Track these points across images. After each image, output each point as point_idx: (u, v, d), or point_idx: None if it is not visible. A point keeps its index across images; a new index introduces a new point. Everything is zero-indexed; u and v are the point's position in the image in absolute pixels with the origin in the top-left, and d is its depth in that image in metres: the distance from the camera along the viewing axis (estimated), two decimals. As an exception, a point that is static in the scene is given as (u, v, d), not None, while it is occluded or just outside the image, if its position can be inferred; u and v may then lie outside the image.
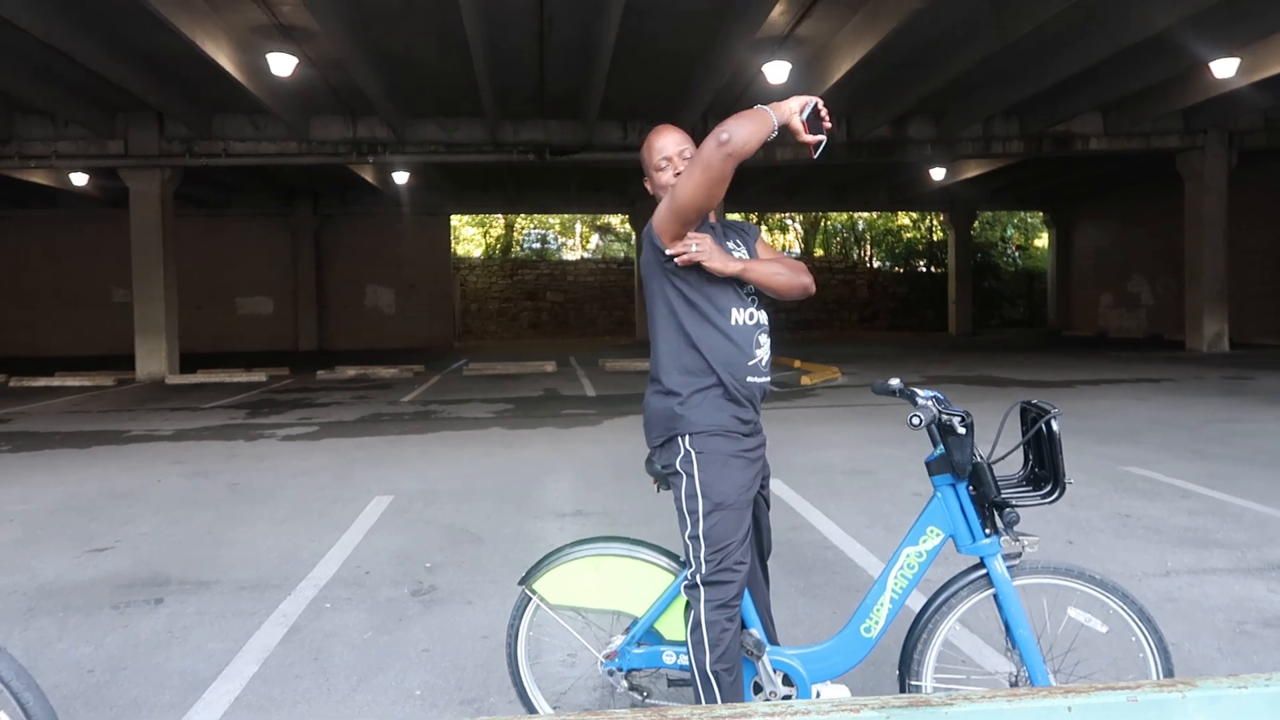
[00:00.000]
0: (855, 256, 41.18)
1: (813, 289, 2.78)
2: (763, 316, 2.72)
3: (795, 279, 2.71)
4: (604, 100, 16.67)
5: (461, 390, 15.24)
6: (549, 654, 3.62)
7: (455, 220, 34.69)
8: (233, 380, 17.76)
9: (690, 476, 2.59)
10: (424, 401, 13.64)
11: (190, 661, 3.76)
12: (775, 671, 2.73)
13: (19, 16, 11.16)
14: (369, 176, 23.27)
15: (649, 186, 2.78)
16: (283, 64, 13.91)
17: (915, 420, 2.59)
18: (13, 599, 4.59)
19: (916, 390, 2.70)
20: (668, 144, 2.70)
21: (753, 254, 2.77)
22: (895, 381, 2.82)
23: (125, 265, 20.06)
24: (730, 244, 2.73)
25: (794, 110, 2.44)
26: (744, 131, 2.34)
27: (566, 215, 38.62)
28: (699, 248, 2.52)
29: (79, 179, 21.76)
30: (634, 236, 33.11)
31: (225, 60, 13.33)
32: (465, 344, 30.69)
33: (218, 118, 18.33)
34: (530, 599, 2.92)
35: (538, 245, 40.45)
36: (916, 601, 3.24)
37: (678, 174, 2.62)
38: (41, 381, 17.30)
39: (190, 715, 3.28)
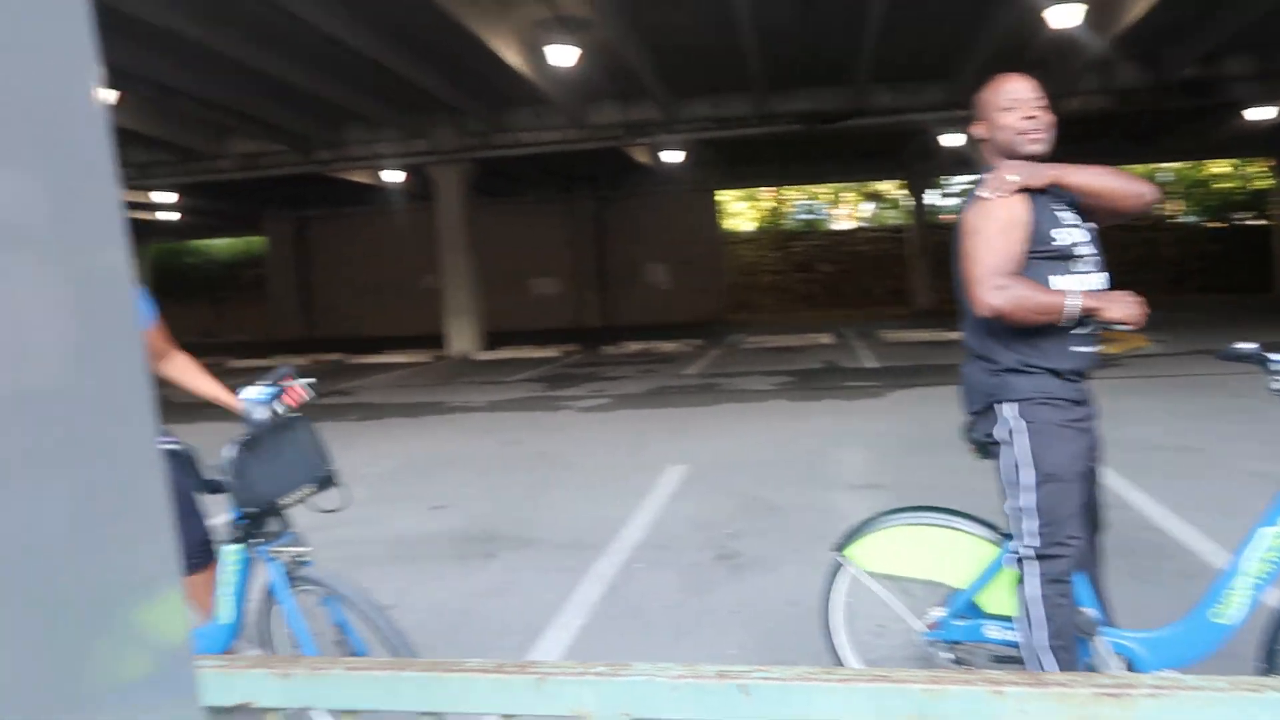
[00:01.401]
0: (1158, 211, 37.16)
1: (1152, 197, 2.54)
2: (1095, 281, 2.58)
3: (1129, 185, 2.54)
4: (874, 64, 16.18)
5: (741, 363, 15.50)
6: (858, 622, 3.66)
7: (724, 195, 35.12)
8: (529, 356, 19.17)
9: (1016, 446, 2.52)
10: (707, 374, 14.02)
11: (526, 610, 4.18)
12: (1115, 654, 2.61)
13: (347, 38, 12.63)
14: (642, 157, 24.10)
15: (978, 131, 2.69)
16: (563, 55, 14.71)
17: (1278, 386, 2.36)
18: (374, 548, 5.30)
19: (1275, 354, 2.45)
20: (1021, 87, 2.60)
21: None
22: (1248, 345, 2.57)
23: (432, 254, 22.16)
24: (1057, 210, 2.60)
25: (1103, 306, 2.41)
26: (1026, 307, 2.43)
27: (836, 184, 37.92)
28: (1012, 177, 2.48)
29: (391, 177, 24.28)
30: (910, 202, 31.89)
31: (511, 56, 14.33)
32: (738, 317, 31.08)
33: (506, 111, 19.73)
34: (843, 565, 2.97)
35: (807, 216, 40.05)
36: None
37: (1028, 118, 2.55)
38: (371, 359, 19.58)
39: (536, 657, 3.66)
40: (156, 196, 24.97)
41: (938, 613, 2.84)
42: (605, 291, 31.61)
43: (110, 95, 14.09)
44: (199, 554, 2.96)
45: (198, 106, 16.94)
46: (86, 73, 0.53)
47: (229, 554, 2.71)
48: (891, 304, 33.89)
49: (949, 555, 2.83)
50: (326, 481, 2.81)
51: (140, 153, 20.01)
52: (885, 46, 15.40)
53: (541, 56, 15.36)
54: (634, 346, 19.51)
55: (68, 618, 0.50)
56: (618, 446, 8.20)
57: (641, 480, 6.67)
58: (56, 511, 0.50)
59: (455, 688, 1.10)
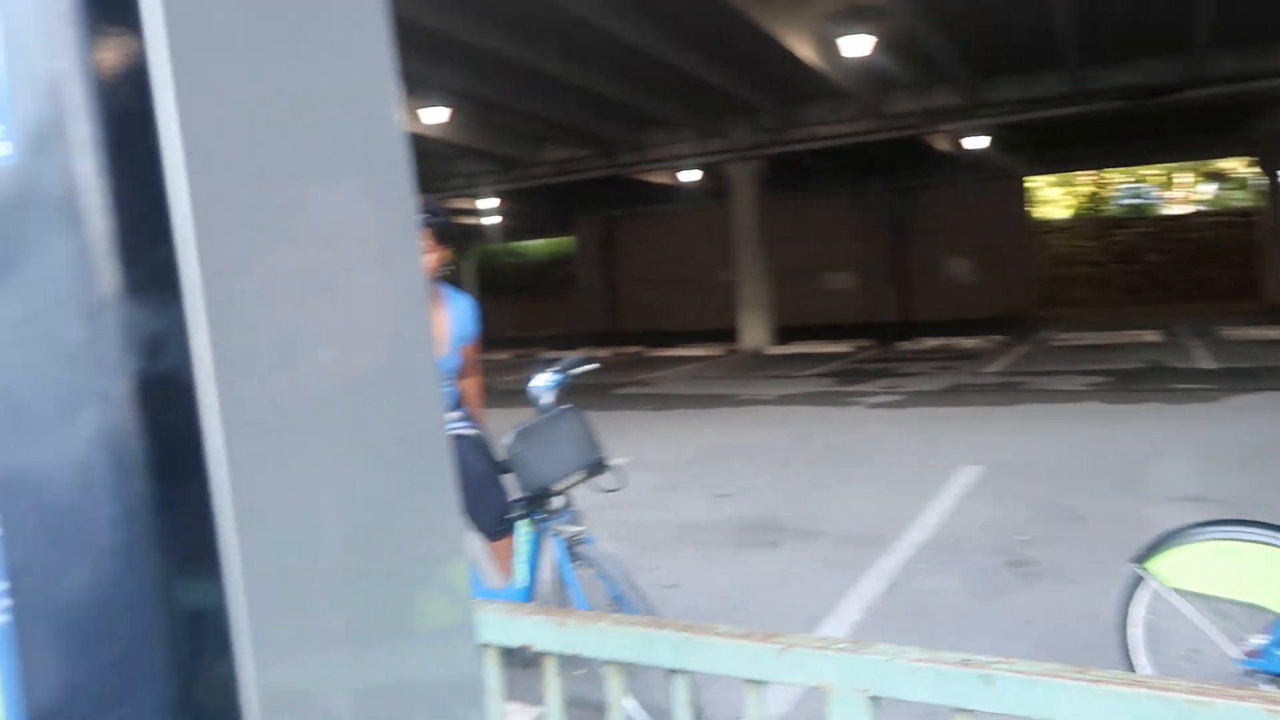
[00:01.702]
0: None
1: None
2: None
3: None
4: (1212, 25, 14.35)
5: (1049, 361, 14.44)
6: (1164, 644, 3.35)
7: (1035, 180, 32.73)
8: (821, 351, 19.06)
9: None
10: (1009, 372, 13.22)
11: (804, 600, 4.23)
12: None
13: (647, 47, 13.25)
14: (942, 145, 23.06)
15: None
16: (858, 45, 14.45)
17: None
18: (664, 530, 5.58)
19: None
20: None
21: None
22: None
23: (727, 249, 22.63)
24: None
25: None
26: None
27: (1168, 164, 34.05)
28: None
29: (688, 176, 25.07)
30: (1261, 181, 27.97)
31: (805, 50, 14.30)
32: (1050, 312, 28.88)
33: (800, 106, 19.70)
34: (1143, 579, 2.74)
35: (1133, 200, 36.33)
36: None
37: None
38: (668, 352, 20.41)
39: (809, 647, 3.71)
40: (481, 203, 27.59)
41: (1258, 640, 2.55)
42: (902, 285, 30.62)
43: (442, 114, 15.77)
44: (500, 525, 3.31)
45: (518, 120, 18.54)
46: (390, 98, 0.67)
47: (520, 528, 3.02)
48: (1235, 297, 29.89)
49: (1274, 577, 2.54)
50: (598, 467, 3.03)
51: (469, 164, 22.23)
52: (1226, 4, 13.64)
53: (835, 49, 15.19)
54: (931, 342, 18.77)
55: (380, 569, 0.65)
56: (908, 444, 7.99)
57: (932, 480, 6.46)
58: (376, 481, 0.65)
59: (704, 650, 1.21)
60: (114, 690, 0.54)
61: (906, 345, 18.83)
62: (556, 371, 3.03)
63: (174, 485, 0.53)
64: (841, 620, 3.95)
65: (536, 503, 2.92)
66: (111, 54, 0.50)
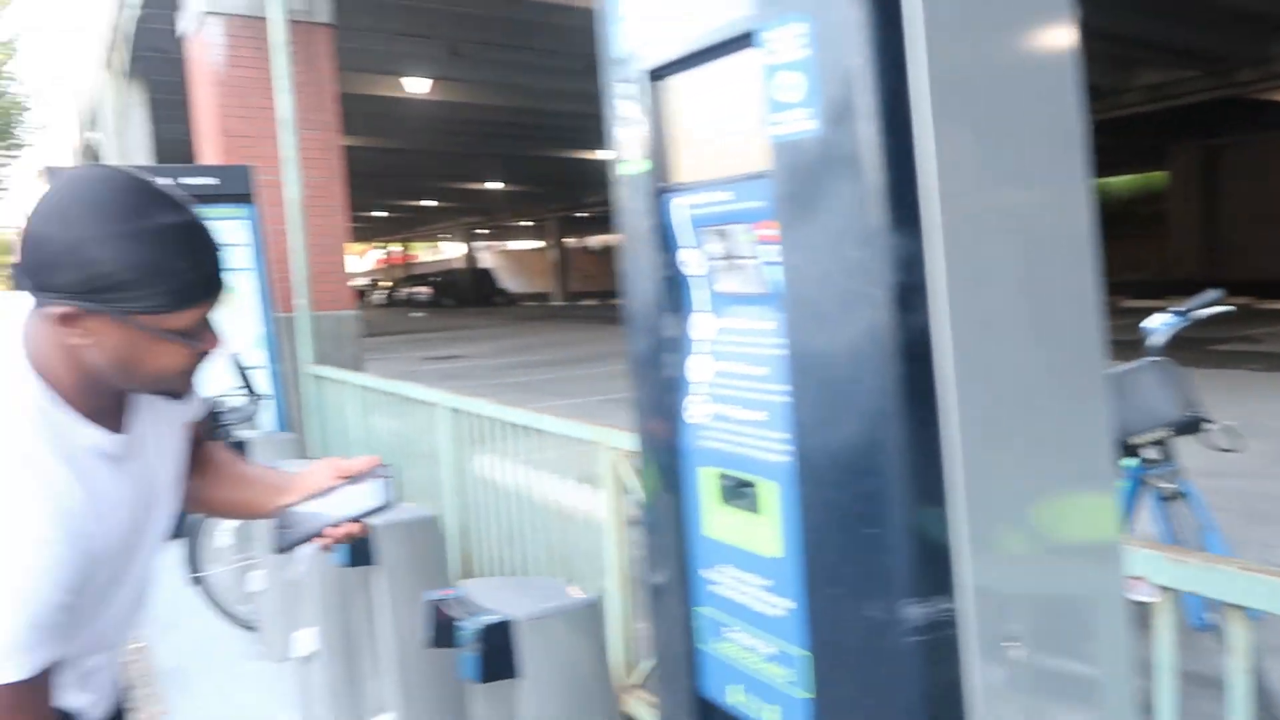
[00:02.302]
0: None
1: None
2: None
3: None
4: None
5: None
6: None
7: None
8: None
9: None
10: None
11: None
12: None
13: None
14: None
15: None
16: None
17: None
18: (1272, 504, 4.86)
19: None
20: None
21: None
22: None
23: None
24: None
25: None
26: None
27: None
28: None
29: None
30: None
31: None
32: None
33: None
34: None
35: None
36: None
37: None
38: (1284, 304, 17.17)
39: None
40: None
41: None
42: None
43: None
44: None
45: (1107, 43, 16.81)
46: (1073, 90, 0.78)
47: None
48: None
49: None
50: (1189, 425, 2.75)
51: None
52: None
53: None
54: None
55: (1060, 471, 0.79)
56: None
57: None
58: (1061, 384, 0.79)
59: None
60: (869, 511, 0.76)
61: None
62: (1177, 312, 2.83)
63: (913, 366, 0.73)
64: None
65: (1128, 452, 2.80)
66: (892, 52, 0.70)
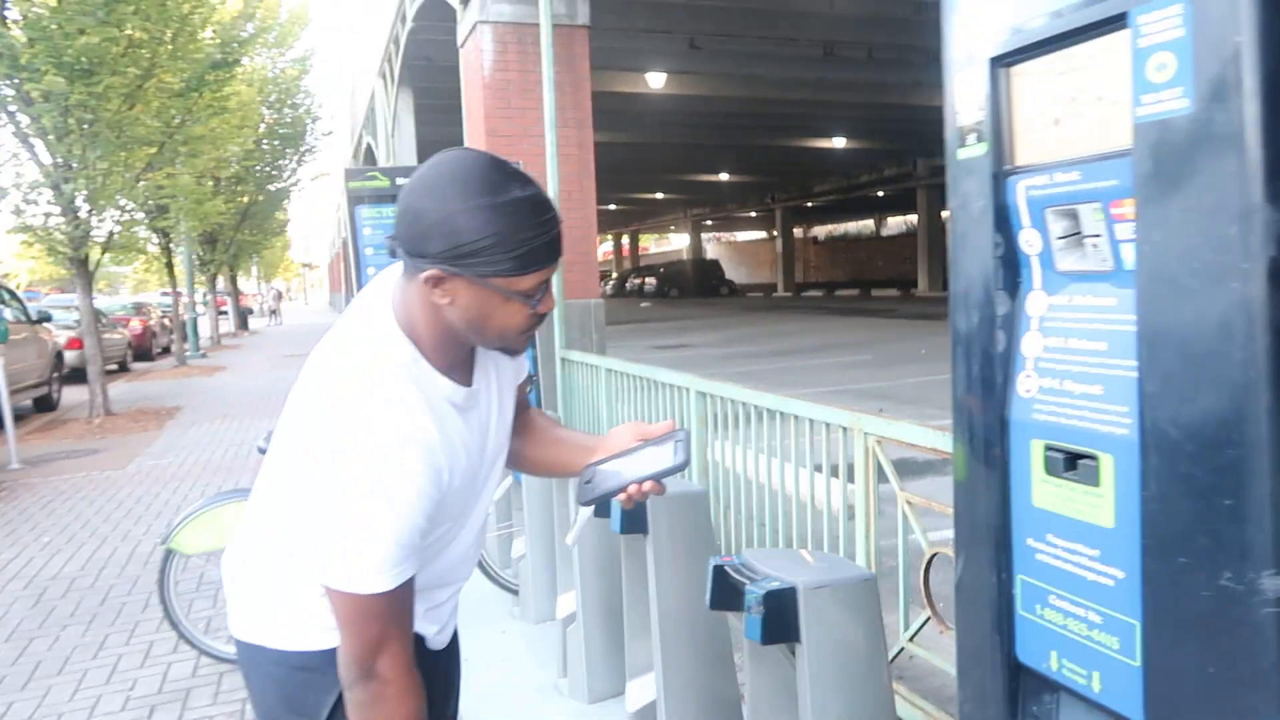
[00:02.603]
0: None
1: None
2: None
3: None
4: None
5: None
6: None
7: None
8: None
9: None
10: None
11: None
12: None
13: None
14: None
15: None
16: None
17: None
18: None
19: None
20: None
21: None
22: None
23: None
24: None
25: None
26: None
27: None
28: None
29: None
30: None
31: None
32: None
33: None
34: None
35: None
36: None
37: None
38: None
39: None
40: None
41: None
42: None
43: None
44: None
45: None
46: None
47: None
48: None
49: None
50: None
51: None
52: None
53: None
54: None
55: None
56: None
57: None
58: None
59: None
60: (1226, 482, 0.77)
61: None
62: None
63: (1282, 340, 0.73)
64: None
65: None
66: (1275, 31, 0.71)
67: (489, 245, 1.12)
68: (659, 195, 36.32)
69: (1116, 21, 0.82)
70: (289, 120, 21.11)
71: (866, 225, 40.22)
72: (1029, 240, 0.97)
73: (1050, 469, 0.96)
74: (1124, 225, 0.85)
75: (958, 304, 1.04)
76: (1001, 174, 0.97)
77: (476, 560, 1.47)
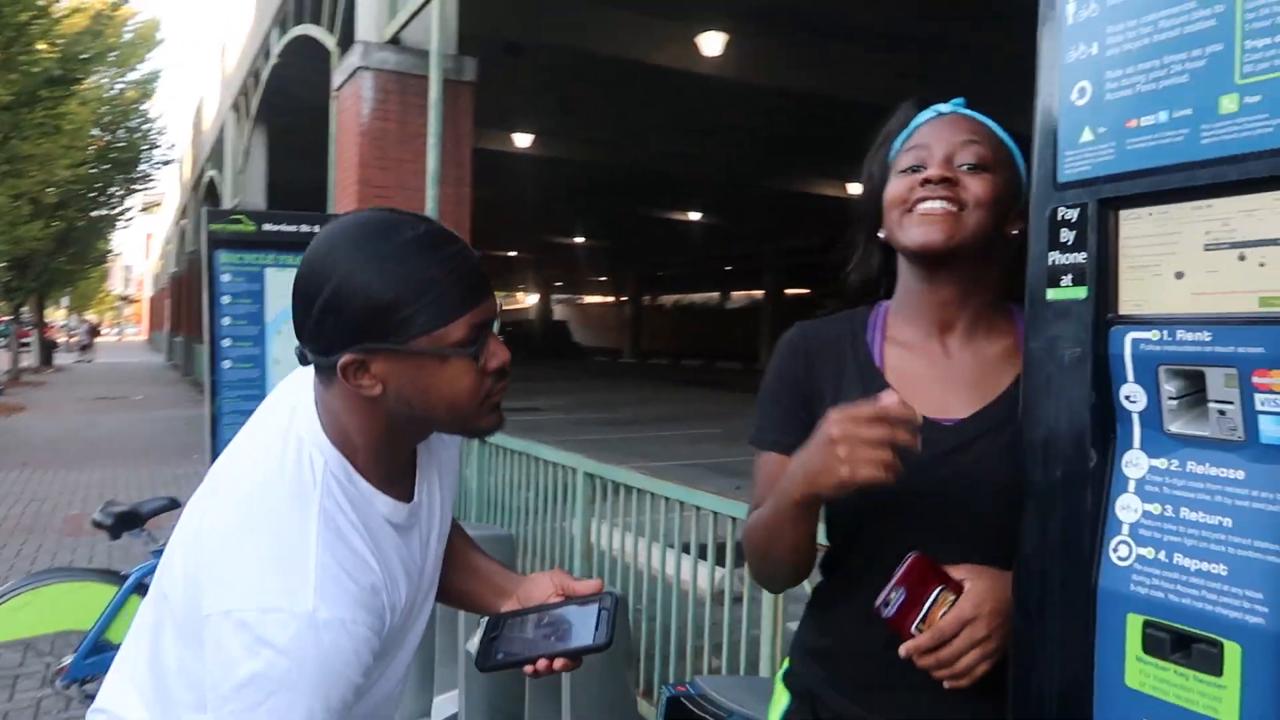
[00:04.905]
0: None
1: None
2: None
3: None
4: None
5: None
6: None
7: None
8: None
9: None
10: None
11: None
12: None
13: None
14: None
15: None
16: None
17: None
18: None
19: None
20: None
21: None
22: None
23: None
24: None
25: None
26: None
27: None
28: None
29: None
30: None
31: None
32: None
33: None
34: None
35: None
36: None
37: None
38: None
39: None
40: None
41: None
42: None
43: None
44: None
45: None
46: None
47: None
48: None
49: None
50: None
51: None
52: None
53: None
54: None
55: None
56: None
57: None
58: None
59: None
60: None
61: None
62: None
63: None
64: None
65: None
66: None
67: (394, 300, 0.94)
68: (512, 253, 36.24)
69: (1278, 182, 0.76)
70: (123, 144, 19.79)
71: (713, 297, 41.36)
72: (1133, 396, 0.89)
73: (1145, 647, 0.87)
74: (1267, 396, 0.78)
75: (1039, 455, 0.95)
76: (1106, 321, 0.90)
77: (398, 703, 1.26)
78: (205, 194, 17.74)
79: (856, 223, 1.27)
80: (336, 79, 6.52)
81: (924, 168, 1.13)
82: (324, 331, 0.97)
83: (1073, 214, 0.91)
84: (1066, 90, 0.93)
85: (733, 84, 10.76)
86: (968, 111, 1.19)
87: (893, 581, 1.00)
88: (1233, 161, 0.80)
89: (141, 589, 3.27)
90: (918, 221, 1.11)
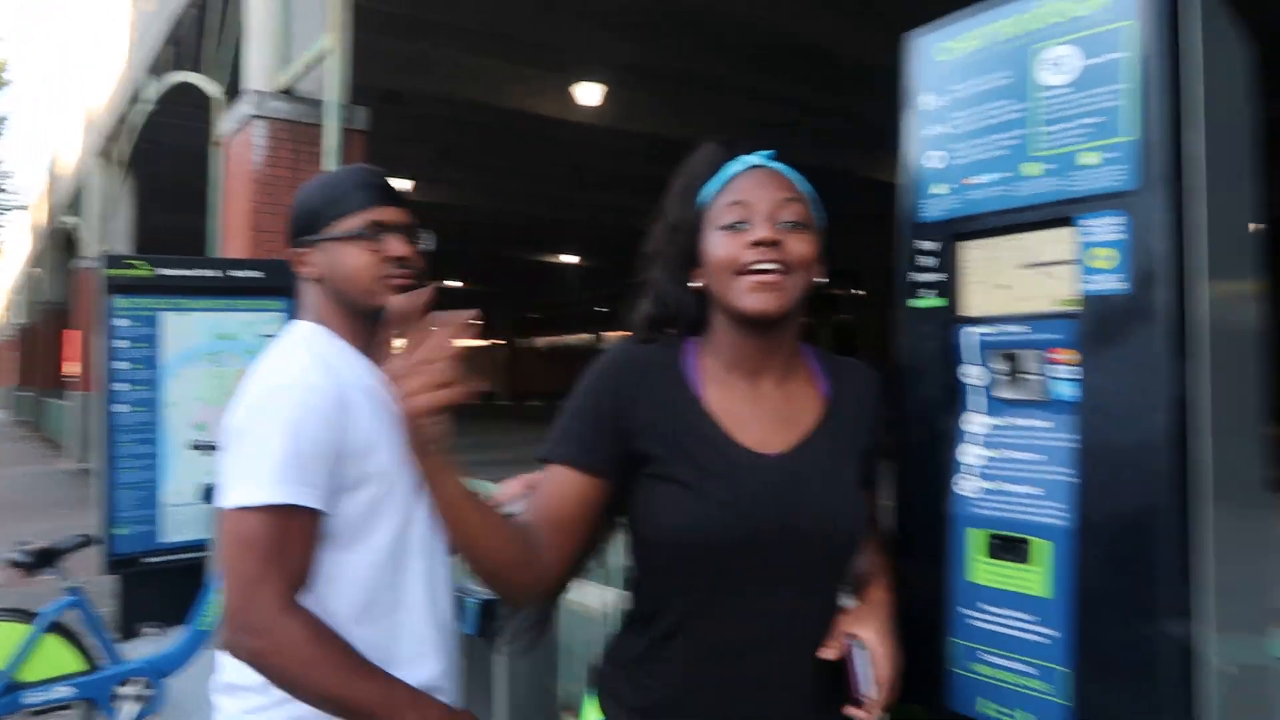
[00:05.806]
0: None
1: None
2: None
3: None
4: None
5: None
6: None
7: None
8: None
9: None
10: None
11: None
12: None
13: None
14: None
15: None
16: None
17: None
18: None
19: None
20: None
21: None
22: None
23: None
24: None
25: None
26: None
27: None
28: None
29: None
30: None
31: None
32: None
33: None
34: None
35: None
36: None
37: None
38: None
39: None
40: None
41: None
42: None
43: None
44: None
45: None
46: None
47: None
48: None
49: None
50: None
51: None
52: None
53: None
54: None
55: None
56: None
57: None
58: None
59: None
60: (1143, 555, 1.06)
61: None
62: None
63: (1179, 454, 1.05)
64: None
65: None
66: (1184, 241, 1.05)
67: (317, 205, 1.35)
68: (384, 296, 35.60)
69: (1063, 221, 1.14)
70: (-40, 187, 18.68)
71: (586, 338, 41.69)
72: (973, 374, 1.25)
73: (987, 552, 1.22)
74: (1060, 367, 1.15)
75: (909, 421, 1.30)
76: (953, 322, 1.26)
77: (451, 631, 1.43)
78: (62, 244, 16.99)
79: (655, 260, 1.29)
80: (226, 127, 6.58)
81: (747, 224, 1.15)
82: (287, 238, 1.37)
83: (932, 245, 1.27)
84: (923, 156, 1.30)
85: (608, 131, 11.24)
86: (779, 165, 1.22)
87: (858, 682, 1.14)
88: (1034, 209, 1.18)
89: (55, 628, 3.25)
90: (752, 288, 1.14)
